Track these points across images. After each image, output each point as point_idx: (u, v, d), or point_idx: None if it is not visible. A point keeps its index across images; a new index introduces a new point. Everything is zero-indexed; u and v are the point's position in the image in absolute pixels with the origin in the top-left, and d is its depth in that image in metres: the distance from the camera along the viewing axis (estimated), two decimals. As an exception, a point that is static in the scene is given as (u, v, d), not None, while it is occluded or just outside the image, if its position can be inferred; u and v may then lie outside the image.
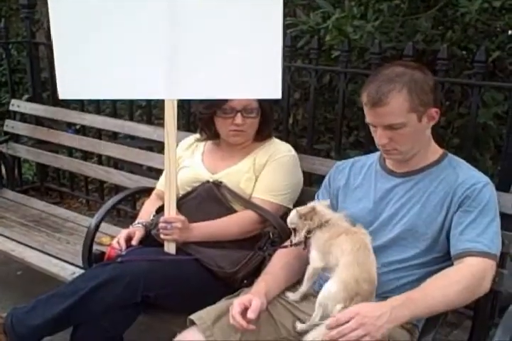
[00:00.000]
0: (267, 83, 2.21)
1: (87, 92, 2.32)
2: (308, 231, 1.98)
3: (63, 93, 2.25)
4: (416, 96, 1.88)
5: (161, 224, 2.28)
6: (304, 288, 2.05)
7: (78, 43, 2.20)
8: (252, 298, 1.95)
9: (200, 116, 2.55)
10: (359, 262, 1.88)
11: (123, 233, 2.47)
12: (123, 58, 2.22)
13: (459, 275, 1.84)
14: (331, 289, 1.86)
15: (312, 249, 1.99)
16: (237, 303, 1.94)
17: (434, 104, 1.94)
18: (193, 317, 2.00)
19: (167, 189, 2.29)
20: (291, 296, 2.09)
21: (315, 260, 1.98)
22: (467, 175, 1.98)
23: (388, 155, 2.03)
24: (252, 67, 2.19)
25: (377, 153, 2.17)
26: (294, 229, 2.04)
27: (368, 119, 1.97)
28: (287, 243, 2.13)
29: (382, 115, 1.90)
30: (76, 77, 2.23)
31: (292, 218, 2.04)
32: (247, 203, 2.44)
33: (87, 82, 2.25)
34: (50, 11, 2.17)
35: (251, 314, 1.90)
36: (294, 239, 2.05)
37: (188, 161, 2.61)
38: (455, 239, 1.92)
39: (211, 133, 2.57)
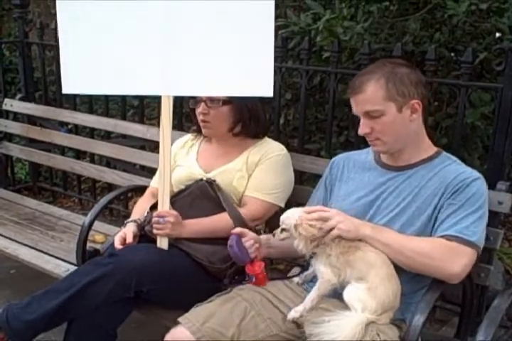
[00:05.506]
0: (259, 82, 2.26)
1: (89, 88, 2.42)
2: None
3: (67, 88, 2.35)
4: (393, 85, 1.97)
5: (154, 219, 2.32)
6: (313, 303, 1.98)
7: (82, 42, 2.32)
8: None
9: (189, 111, 2.64)
10: (393, 276, 1.94)
11: (117, 239, 2.42)
12: (124, 56, 2.31)
13: (428, 240, 1.96)
14: (364, 298, 1.88)
15: (320, 264, 1.98)
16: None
17: (416, 96, 2.00)
18: (181, 319, 2.02)
19: (161, 184, 2.32)
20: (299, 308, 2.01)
21: (329, 275, 1.95)
22: (458, 172, 2.03)
23: (373, 146, 2.10)
24: (245, 65, 2.26)
25: None
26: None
27: (352, 109, 2.06)
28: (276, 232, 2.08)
29: (360, 102, 2.01)
30: (79, 73, 2.34)
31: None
32: (239, 201, 2.48)
33: (89, 78, 2.35)
34: (57, 11, 2.28)
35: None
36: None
37: (182, 160, 2.65)
38: (436, 231, 1.99)
39: (197, 127, 2.63)
